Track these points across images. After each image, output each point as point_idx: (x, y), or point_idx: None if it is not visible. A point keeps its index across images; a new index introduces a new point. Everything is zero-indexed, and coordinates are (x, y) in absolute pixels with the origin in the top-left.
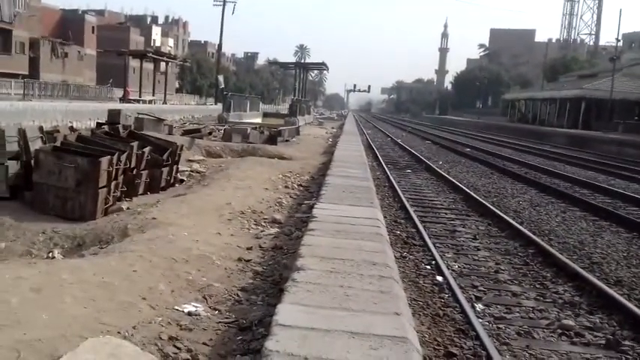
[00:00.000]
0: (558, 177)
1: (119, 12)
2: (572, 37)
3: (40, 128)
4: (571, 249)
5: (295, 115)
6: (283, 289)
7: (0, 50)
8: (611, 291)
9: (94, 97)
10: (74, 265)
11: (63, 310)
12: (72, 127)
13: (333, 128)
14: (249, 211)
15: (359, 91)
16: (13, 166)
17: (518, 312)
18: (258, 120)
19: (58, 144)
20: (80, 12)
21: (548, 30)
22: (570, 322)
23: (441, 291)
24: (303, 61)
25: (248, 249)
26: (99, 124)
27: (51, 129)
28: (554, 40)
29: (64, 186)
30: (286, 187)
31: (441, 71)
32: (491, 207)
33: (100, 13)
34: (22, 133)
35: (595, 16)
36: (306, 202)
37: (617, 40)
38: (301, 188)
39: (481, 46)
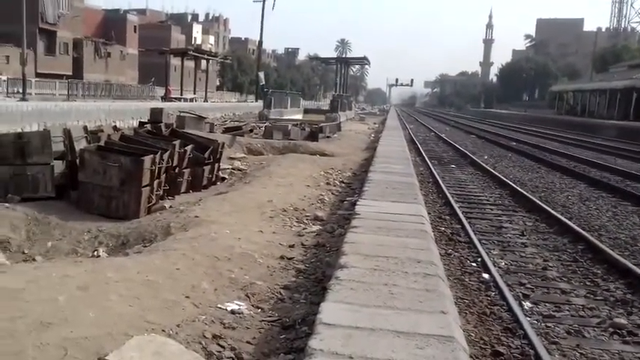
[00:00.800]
0: (608, 170)
1: (160, 11)
2: (623, 26)
3: (85, 128)
4: (622, 245)
5: (336, 111)
6: (326, 287)
7: (44, 51)
8: None
9: (137, 96)
10: (119, 264)
11: (108, 309)
12: (115, 126)
13: (375, 123)
14: (291, 208)
15: (401, 85)
16: (59, 166)
17: (567, 310)
18: (299, 116)
19: (102, 143)
20: (122, 12)
21: (597, 19)
22: (622, 321)
23: (488, 289)
24: (344, 55)
25: (290, 247)
26: (141, 123)
27: (95, 129)
28: (603, 29)
29: (109, 185)
30: (328, 183)
31: (486, 63)
32: (539, 202)
33: (141, 12)
34: (67, 133)
35: None
36: (348, 198)
37: None
38: (343, 185)
39: (527, 36)
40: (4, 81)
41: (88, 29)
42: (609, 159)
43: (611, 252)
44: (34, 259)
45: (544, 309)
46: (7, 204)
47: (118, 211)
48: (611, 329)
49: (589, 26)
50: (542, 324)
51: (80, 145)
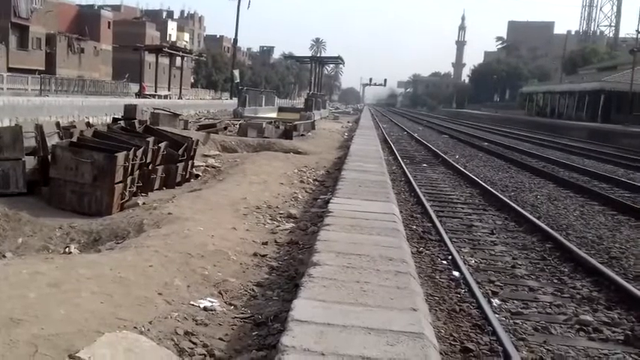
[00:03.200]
0: (577, 171)
1: (135, 7)
2: (592, 30)
3: (57, 124)
4: (589, 244)
5: (311, 110)
6: (299, 284)
7: (17, 46)
8: (629, 286)
9: (110, 93)
10: (91, 261)
11: (80, 305)
12: (88, 122)
13: (348, 122)
14: (265, 205)
15: (375, 84)
16: (31, 162)
17: (535, 307)
18: (274, 114)
19: (74, 139)
20: (96, 7)
21: (567, 22)
22: (588, 318)
23: (458, 286)
24: (318, 54)
25: (264, 244)
26: (115, 120)
27: (67, 124)
28: (573, 33)
29: (81, 181)
30: (302, 181)
31: (458, 64)
32: (509, 201)
33: (115, 8)
34: (39, 129)
35: (615, 8)
36: (321, 196)
37: (638, 31)
38: (317, 183)
39: (499, 38)
40: None
41: (61, 24)
42: (577, 159)
43: (578, 250)
44: (4, 256)
45: (512, 306)
46: None
47: (91, 207)
48: (577, 326)
49: (559, 29)
50: (511, 321)
51: (52, 140)
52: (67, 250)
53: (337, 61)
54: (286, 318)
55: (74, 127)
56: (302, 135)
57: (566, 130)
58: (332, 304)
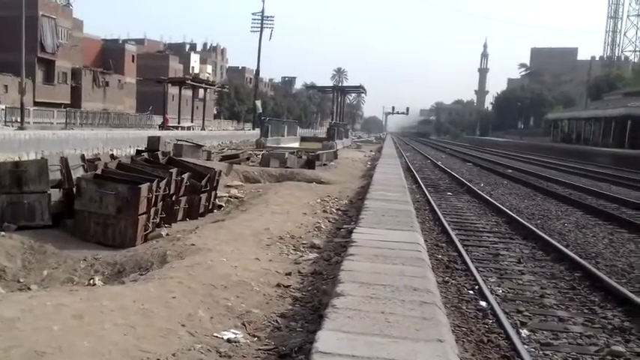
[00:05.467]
0: (605, 198)
1: (158, 40)
2: (616, 55)
3: (82, 156)
4: (619, 272)
5: (333, 139)
6: (323, 315)
7: (43, 80)
8: None
9: (134, 125)
10: (114, 292)
11: (103, 337)
12: (112, 154)
13: (371, 151)
14: (288, 236)
15: (397, 113)
16: (56, 194)
17: (565, 338)
18: (296, 144)
19: (99, 172)
20: (120, 41)
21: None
22: (620, 349)
23: (485, 317)
24: (340, 84)
25: (287, 275)
26: (138, 152)
27: (92, 157)
28: (597, 58)
29: (105, 213)
30: (325, 211)
31: (481, 92)
32: (536, 229)
33: (139, 42)
34: (64, 162)
35: (639, 33)
36: (345, 226)
37: None
38: (340, 212)
39: (522, 65)
40: (2, 110)
41: (86, 58)
42: (605, 186)
43: (608, 279)
44: (29, 288)
45: (542, 337)
46: (3, 232)
47: (115, 239)
48: (609, 357)
49: (583, 55)
50: (540, 352)
51: (77, 173)
52: (91, 281)
53: (359, 90)
54: (310, 350)
55: (99, 159)
56: (324, 164)
57: (592, 157)
58: (356, 335)
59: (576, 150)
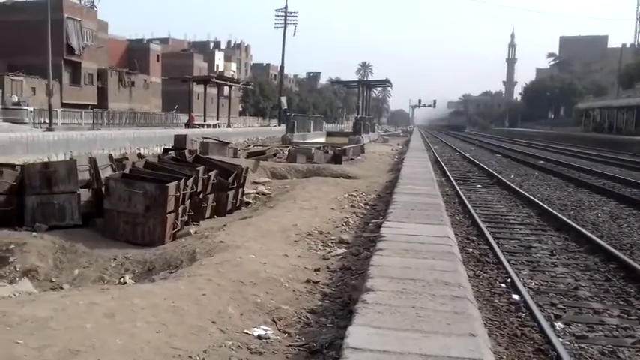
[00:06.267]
0: (639, 187)
1: (182, 39)
2: None
3: (110, 156)
4: None
5: (359, 133)
6: (353, 310)
7: (70, 82)
8: None
9: (160, 124)
10: (145, 290)
11: (135, 335)
12: (140, 153)
13: (398, 145)
14: (316, 231)
15: (424, 105)
16: (85, 194)
17: (601, 330)
18: (322, 139)
19: (127, 171)
20: (145, 41)
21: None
22: None
23: (518, 310)
24: (365, 78)
25: (316, 270)
26: (165, 150)
27: (120, 156)
28: (627, 45)
29: (134, 212)
30: (353, 206)
31: (510, 82)
32: (568, 220)
33: (164, 41)
34: (92, 162)
35: None
36: (373, 221)
37: None
38: (368, 207)
39: (550, 55)
40: (31, 112)
41: (112, 59)
42: (639, 176)
43: None
44: (61, 287)
45: (577, 329)
46: (34, 233)
47: (144, 237)
48: None
49: (613, 43)
50: (575, 345)
51: (106, 173)
52: (121, 280)
53: (385, 83)
54: (341, 345)
55: (126, 159)
56: (351, 159)
57: (626, 146)
58: (387, 330)
59: (608, 139)
